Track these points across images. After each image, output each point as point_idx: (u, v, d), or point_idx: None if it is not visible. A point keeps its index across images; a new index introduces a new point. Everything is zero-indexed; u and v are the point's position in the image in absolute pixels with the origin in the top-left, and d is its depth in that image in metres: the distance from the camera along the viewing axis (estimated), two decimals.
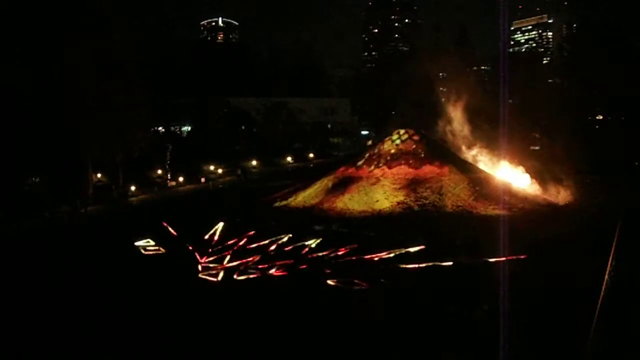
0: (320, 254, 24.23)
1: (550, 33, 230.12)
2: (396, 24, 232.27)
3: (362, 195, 36.37)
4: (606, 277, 19.66)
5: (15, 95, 38.88)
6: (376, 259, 23.42)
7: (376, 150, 41.91)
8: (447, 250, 24.24)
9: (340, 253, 24.35)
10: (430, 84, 60.25)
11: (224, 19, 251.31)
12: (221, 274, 22.47)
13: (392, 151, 40.56)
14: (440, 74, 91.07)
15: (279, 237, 27.03)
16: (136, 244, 27.53)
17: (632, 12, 66.97)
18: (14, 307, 19.38)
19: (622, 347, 14.88)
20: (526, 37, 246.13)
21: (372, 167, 39.61)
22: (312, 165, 70.07)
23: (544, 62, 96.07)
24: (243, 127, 79.14)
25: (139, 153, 46.07)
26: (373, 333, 16.35)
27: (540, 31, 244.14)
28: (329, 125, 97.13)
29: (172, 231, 28.50)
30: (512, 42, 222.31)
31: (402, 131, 42.29)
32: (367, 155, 42.19)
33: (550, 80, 77.00)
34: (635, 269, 20.75)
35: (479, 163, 44.33)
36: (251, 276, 22.23)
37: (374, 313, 17.93)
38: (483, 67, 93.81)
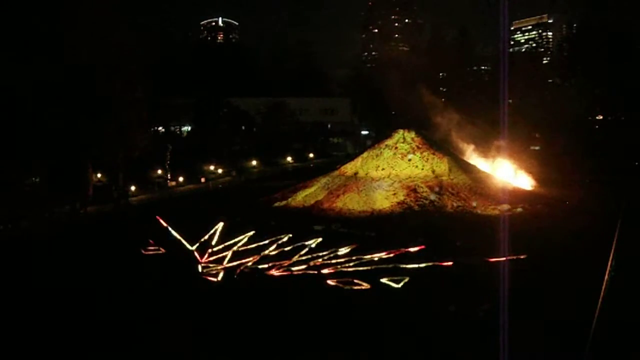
0: (320, 254, 24.22)
1: (550, 33, 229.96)
2: (396, 24, 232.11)
3: (362, 195, 36.37)
4: (606, 277, 19.68)
5: (16, 95, 38.84)
6: (376, 259, 23.41)
7: (376, 150, 41.95)
8: (447, 250, 24.24)
9: (340, 253, 24.35)
10: (430, 84, 60.29)
11: (224, 19, 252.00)
12: (221, 274, 22.48)
13: (392, 151, 40.62)
14: (440, 74, 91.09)
15: (279, 237, 27.01)
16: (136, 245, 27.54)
17: (632, 11, 67.03)
18: (13, 307, 19.37)
19: (623, 347, 14.88)
20: (526, 37, 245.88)
21: (372, 167, 39.67)
22: (312, 165, 70.02)
23: (544, 62, 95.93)
24: (243, 127, 79.03)
25: (139, 153, 46.02)
26: (373, 333, 16.36)
27: (540, 31, 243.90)
28: (329, 125, 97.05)
29: (171, 230, 28.46)
30: (512, 42, 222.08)
31: (402, 131, 42.38)
32: (367, 155, 42.24)
33: (550, 80, 77.04)
34: (636, 269, 20.75)
35: (479, 163, 44.38)
36: (251, 276, 22.26)
37: (374, 313, 17.94)
38: (483, 67, 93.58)
